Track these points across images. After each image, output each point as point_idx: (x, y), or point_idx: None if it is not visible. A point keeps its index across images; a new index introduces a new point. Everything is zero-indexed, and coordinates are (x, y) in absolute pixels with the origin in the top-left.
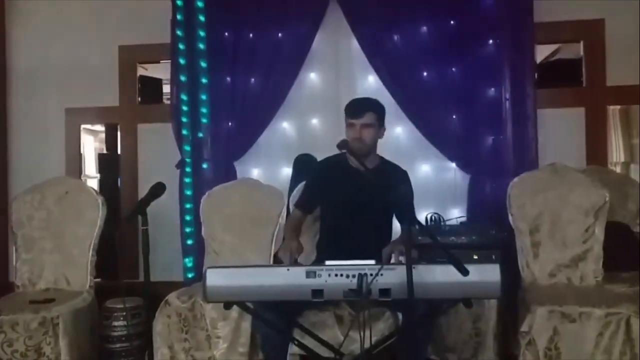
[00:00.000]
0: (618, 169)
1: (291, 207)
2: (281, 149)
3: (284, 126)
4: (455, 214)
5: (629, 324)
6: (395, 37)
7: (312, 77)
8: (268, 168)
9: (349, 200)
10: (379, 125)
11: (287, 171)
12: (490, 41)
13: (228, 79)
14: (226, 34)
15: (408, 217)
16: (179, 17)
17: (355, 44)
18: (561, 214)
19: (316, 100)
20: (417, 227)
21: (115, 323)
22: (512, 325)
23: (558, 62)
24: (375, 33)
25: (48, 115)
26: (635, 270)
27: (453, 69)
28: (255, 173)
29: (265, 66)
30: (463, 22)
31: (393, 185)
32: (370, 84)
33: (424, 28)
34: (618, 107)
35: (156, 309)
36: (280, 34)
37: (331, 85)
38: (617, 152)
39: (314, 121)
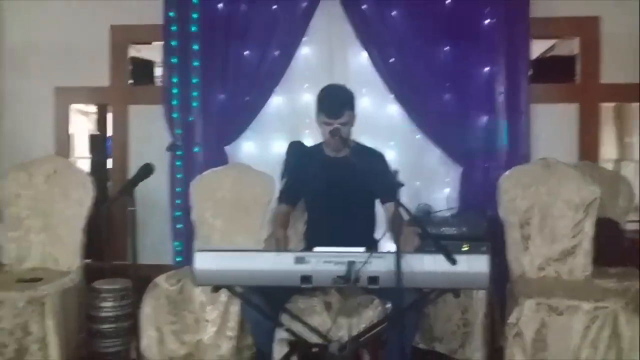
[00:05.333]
0: (610, 166)
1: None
2: (273, 122)
3: (277, 100)
4: (447, 206)
5: (615, 318)
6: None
7: (305, 52)
8: (260, 142)
9: (328, 188)
10: (354, 117)
11: (279, 145)
12: (486, 35)
13: (220, 62)
14: (219, 14)
15: (390, 198)
16: None
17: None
18: (551, 208)
19: (309, 75)
20: (403, 210)
21: (103, 304)
22: (500, 316)
23: (553, 58)
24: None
25: (37, 94)
26: (623, 266)
27: (448, 63)
28: (247, 147)
29: (259, 51)
30: (460, 18)
31: (370, 168)
32: (364, 58)
33: (419, 18)
34: (611, 104)
35: (145, 291)
36: (275, 16)
37: (325, 60)
38: (609, 149)
39: (307, 96)
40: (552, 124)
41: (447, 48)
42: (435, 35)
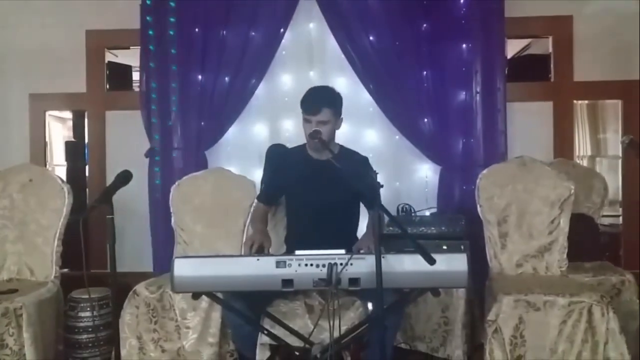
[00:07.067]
0: (584, 163)
1: None
2: (254, 150)
3: (257, 128)
4: (426, 205)
5: (590, 312)
6: (370, 35)
7: (284, 79)
8: (240, 170)
9: (310, 191)
10: (336, 118)
11: (259, 173)
12: (462, 35)
13: (199, 66)
14: (196, 17)
15: (373, 202)
16: (148, 1)
17: (330, 44)
18: (528, 205)
19: (289, 102)
20: (383, 212)
21: (81, 314)
22: (480, 314)
23: (528, 57)
24: (350, 31)
25: (12, 101)
26: (598, 260)
27: (425, 62)
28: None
29: (237, 54)
30: (436, 16)
31: (353, 172)
32: (343, 84)
33: (398, 23)
34: (585, 102)
35: (124, 299)
36: (252, 25)
37: (305, 87)
38: (583, 146)
39: (287, 123)
40: (528, 121)
41: (426, 49)
42: (414, 39)
